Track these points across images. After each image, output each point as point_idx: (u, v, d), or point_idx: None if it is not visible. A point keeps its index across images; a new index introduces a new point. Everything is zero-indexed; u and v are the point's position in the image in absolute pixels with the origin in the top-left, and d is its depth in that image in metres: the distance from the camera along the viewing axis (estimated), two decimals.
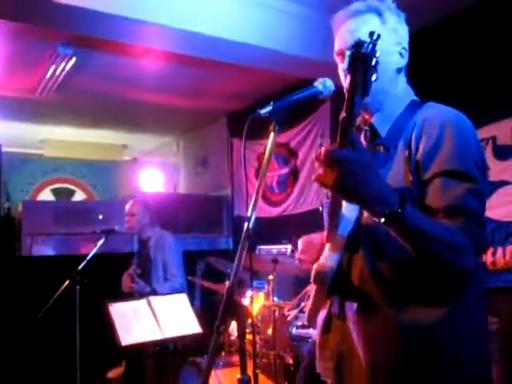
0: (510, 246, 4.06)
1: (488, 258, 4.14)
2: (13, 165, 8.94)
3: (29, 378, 5.55)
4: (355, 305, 1.53)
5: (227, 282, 1.45)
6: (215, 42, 4.47)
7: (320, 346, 1.70)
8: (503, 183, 4.15)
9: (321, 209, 1.68)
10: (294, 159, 6.49)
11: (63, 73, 5.66)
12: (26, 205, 7.07)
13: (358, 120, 1.58)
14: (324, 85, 1.59)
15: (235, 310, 1.45)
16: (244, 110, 7.05)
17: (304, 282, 4.04)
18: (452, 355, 1.45)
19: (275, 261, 4.10)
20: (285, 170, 6.65)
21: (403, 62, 1.65)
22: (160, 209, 5.67)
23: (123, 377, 4.62)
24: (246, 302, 3.84)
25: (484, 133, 4.22)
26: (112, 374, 4.85)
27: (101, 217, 6.79)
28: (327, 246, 1.56)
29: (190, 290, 4.90)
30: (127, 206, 4.84)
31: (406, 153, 1.51)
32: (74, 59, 5.34)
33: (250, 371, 1.51)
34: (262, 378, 3.76)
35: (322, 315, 1.68)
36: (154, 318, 3.77)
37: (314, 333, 3.70)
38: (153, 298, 3.93)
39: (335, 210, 1.51)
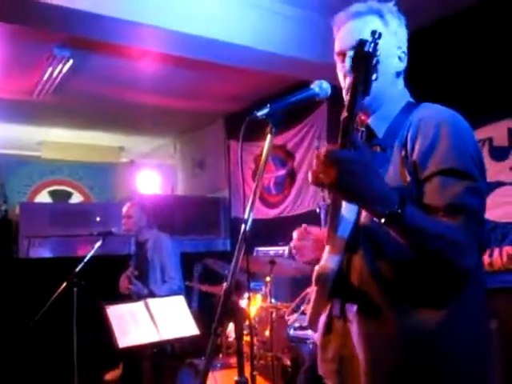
0: (506, 247, 4.07)
1: (485, 259, 4.15)
2: (10, 167, 8.95)
3: (26, 380, 5.54)
4: (355, 306, 1.54)
5: (224, 284, 1.46)
6: (211, 43, 4.47)
7: (321, 348, 1.70)
8: (499, 184, 4.16)
9: (318, 210, 1.68)
10: (291, 161, 6.49)
11: (60, 75, 5.65)
12: (23, 207, 7.07)
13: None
14: (320, 87, 1.60)
15: (232, 312, 1.45)
16: (241, 111, 7.05)
17: (301, 283, 4.05)
18: (452, 356, 1.45)
19: (272, 262, 4.10)
20: (282, 172, 6.66)
21: (402, 65, 1.67)
22: (157, 211, 5.66)
23: (121, 379, 4.61)
24: (243, 303, 3.84)
25: (480, 134, 4.23)
26: (109, 376, 4.84)
27: (98, 219, 6.80)
28: (327, 247, 1.56)
29: (187, 291, 4.90)
30: (124, 209, 4.84)
31: (403, 153, 1.51)
32: (70, 61, 5.34)
33: (247, 373, 1.51)
34: (259, 379, 3.75)
35: (322, 317, 1.68)
36: (151, 320, 3.77)
37: (312, 334, 3.71)
38: (150, 300, 3.93)
39: (335, 211, 1.52)
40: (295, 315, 3.99)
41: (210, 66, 5.21)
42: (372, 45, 1.35)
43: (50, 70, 5.53)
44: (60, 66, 5.44)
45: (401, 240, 1.39)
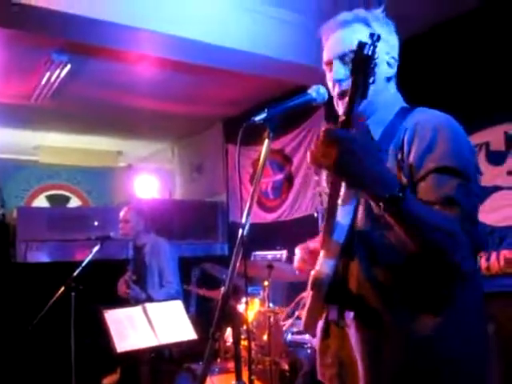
0: (503, 251, 4.08)
1: (482, 262, 4.16)
2: (7, 171, 8.93)
3: None
4: (352, 312, 1.54)
5: (222, 289, 1.46)
6: (209, 48, 4.49)
7: (320, 353, 1.70)
8: (496, 188, 4.17)
9: (316, 215, 1.68)
10: (288, 165, 6.50)
11: (58, 79, 5.66)
12: (20, 211, 7.05)
13: None
14: (318, 92, 1.61)
15: (230, 317, 1.46)
16: (239, 116, 7.06)
17: (299, 287, 4.04)
18: (451, 357, 1.45)
19: (270, 267, 4.10)
20: (279, 176, 6.66)
21: (392, 71, 1.67)
22: (155, 215, 5.66)
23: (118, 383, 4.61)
24: (241, 308, 3.84)
25: (477, 138, 4.24)
26: (107, 380, 4.82)
27: (96, 223, 6.79)
28: (322, 252, 1.57)
29: (185, 296, 4.90)
30: (121, 213, 4.84)
31: (399, 156, 1.52)
32: (68, 66, 5.34)
33: (245, 377, 1.52)
34: None
35: (320, 322, 1.68)
36: (149, 324, 3.76)
37: (309, 339, 3.71)
38: (148, 305, 3.92)
39: (330, 215, 1.53)
40: (290, 320, 3.99)
41: (208, 70, 5.22)
42: (371, 47, 1.37)
43: (48, 74, 5.54)
44: (58, 71, 5.45)
45: (398, 228, 1.38)
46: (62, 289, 4.38)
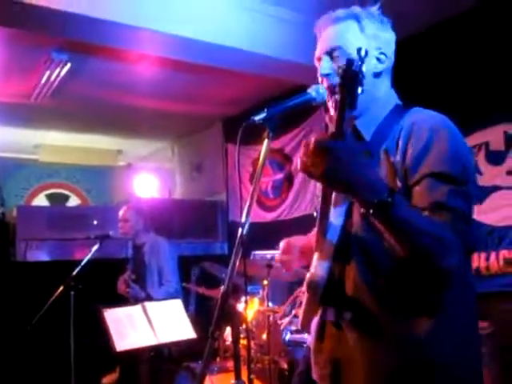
0: (503, 251, 4.08)
1: (482, 262, 4.16)
2: (7, 170, 8.94)
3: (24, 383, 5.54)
4: (349, 314, 1.54)
5: (222, 288, 1.46)
6: (209, 47, 4.49)
7: (315, 351, 1.70)
8: (496, 188, 4.17)
9: (315, 214, 1.68)
10: (288, 165, 6.50)
11: (58, 78, 5.66)
12: (20, 210, 7.06)
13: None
14: (317, 91, 1.61)
15: (230, 316, 1.46)
16: (239, 115, 7.06)
17: (298, 286, 4.05)
18: (443, 362, 1.45)
19: (270, 266, 4.10)
20: (279, 176, 6.67)
21: (381, 66, 1.65)
22: (155, 214, 5.67)
23: (118, 382, 4.61)
24: (240, 307, 3.84)
25: (477, 138, 4.25)
26: (106, 379, 4.83)
27: (95, 222, 6.79)
28: (316, 253, 1.57)
29: (184, 295, 4.90)
30: (120, 212, 4.84)
31: (392, 158, 1.52)
32: (68, 65, 5.35)
33: (244, 376, 1.52)
34: (256, 383, 3.75)
35: (315, 321, 1.68)
36: (148, 323, 3.77)
37: (308, 338, 3.71)
38: (147, 304, 3.93)
39: (323, 216, 1.54)
40: (287, 319, 3.99)
41: (208, 69, 5.22)
42: (359, 63, 1.40)
43: (48, 73, 5.54)
44: (58, 70, 5.45)
45: (388, 234, 1.38)
46: (62, 288, 4.38)
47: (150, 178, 9.72)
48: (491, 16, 4.23)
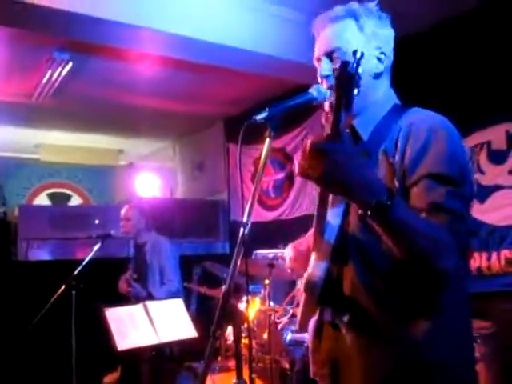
0: (504, 251, 4.08)
1: (483, 262, 4.16)
2: (9, 169, 8.95)
3: (25, 383, 5.53)
4: (347, 315, 1.54)
5: (223, 287, 1.46)
6: (210, 46, 4.49)
7: (313, 351, 1.70)
8: (498, 187, 4.17)
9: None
10: (289, 164, 6.50)
11: (59, 78, 5.66)
12: (22, 209, 7.07)
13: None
14: (318, 91, 1.60)
15: (231, 315, 1.45)
16: (240, 114, 7.06)
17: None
18: (441, 364, 1.45)
19: (271, 265, 4.10)
20: (281, 175, 6.67)
21: (382, 67, 1.64)
22: (156, 213, 5.66)
23: (119, 382, 4.61)
24: (241, 306, 3.83)
25: (479, 137, 4.24)
26: (108, 379, 4.83)
27: (97, 221, 6.79)
28: (314, 254, 1.57)
29: (186, 294, 4.90)
30: (122, 211, 4.84)
31: (391, 159, 1.51)
32: (70, 64, 5.35)
33: (246, 376, 1.52)
34: (258, 382, 3.76)
35: (313, 321, 1.68)
36: (150, 322, 3.77)
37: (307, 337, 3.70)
38: (149, 303, 3.93)
39: (320, 217, 1.54)
40: (285, 318, 3.98)
41: (210, 69, 5.22)
42: (354, 65, 1.38)
43: (50, 72, 5.54)
44: (59, 69, 5.46)
45: (385, 236, 1.38)
46: (63, 287, 4.38)
47: (151, 178, 9.72)
48: (494, 16, 4.23)
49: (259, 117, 1.52)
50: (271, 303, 4.16)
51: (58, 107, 6.77)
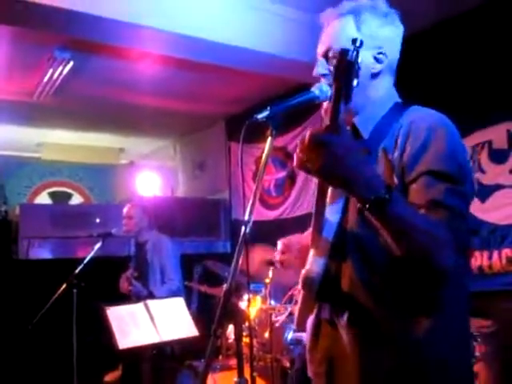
0: (505, 249, 4.08)
1: (484, 261, 4.16)
2: (10, 168, 8.95)
3: (26, 382, 5.54)
4: (346, 312, 1.53)
5: (224, 286, 1.46)
6: (212, 45, 4.49)
7: (310, 350, 1.69)
8: (499, 187, 4.17)
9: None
10: (291, 163, 6.49)
11: (60, 77, 5.66)
12: (23, 208, 7.08)
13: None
14: (320, 90, 1.60)
15: (232, 314, 1.45)
16: (242, 113, 7.06)
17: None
18: (440, 362, 1.45)
19: (272, 264, 4.10)
20: (282, 174, 6.67)
21: (379, 67, 1.62)
22: (157, 212, 5.66)
23: (120, 380, 4.62)
24: (243, 305, 3.84)
25: (480, 137, 4.24)
26: (109, 377, 4.84)
27: (98, 220, 6.80)
28: (312, 250, 1.57)
29: (187, 293, 4.90)
30: (125, 209, 4.84)
31: (390, 156, 1.51)
32: (71, 63, 5.35)
33: (247, 374, 1.52)
34: (259, 381, 3.76)
35: (310, 318, 1.68)
36: (151, 321, 3.77)
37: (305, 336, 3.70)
38: (150, 302, 3.94)
39: (318, 213, 1.54)
40: (283, 316, 3.98)
41: (211, 68, 5.22)
42: (354, 53, 1.36)
43: (51, 71, 5.54)
44: (60, 68, 5.46)
45: (384, 231, 1.37)
46: (64, 286, 4.39)
47: (152, 177, 9.70)
48: (495, 14, 4.22)
49: (260, 116, 1.51)
50: (272, 302, 4.16)
51: (59, 106, 6.77)
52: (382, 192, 1.29)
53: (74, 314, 4.38)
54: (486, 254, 4.16)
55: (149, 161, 10.24)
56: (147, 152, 9.95)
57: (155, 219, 5.09)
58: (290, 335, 3.98)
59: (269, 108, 1.52)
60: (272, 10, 4.63)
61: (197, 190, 8.55)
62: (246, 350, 2.15)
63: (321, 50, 1.66)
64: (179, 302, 4.00)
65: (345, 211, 1.55)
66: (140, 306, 3.88)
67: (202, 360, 1.55)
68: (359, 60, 1.37)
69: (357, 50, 1.36)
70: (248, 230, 1.47)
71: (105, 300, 3.91)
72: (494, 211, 4.16)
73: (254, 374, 1.84)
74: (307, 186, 6.12)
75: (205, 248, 7.46)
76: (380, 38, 1.61)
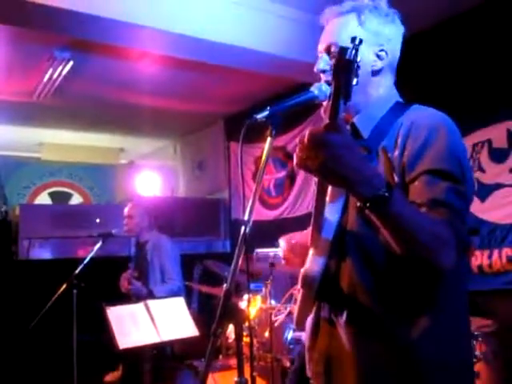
0: (506, 249, 4.08)
1: (484, 260, 4.16)
2: (10, 168, 8.96)
3: (26, 382, 5.54)
4: (345, 312, 1.53)
5: (224, 286, 1.46)
6: (211, 45, 4.48)
7: (309, 349, 1.69)
8: (499, 186, 4.17)
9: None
10: (290, 163, 6.49)
11: (60, 77, 5.67)
12: (23, 208, 7.08)
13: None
14: (320, 89, 1.59)
15: (232, 313, 1.45)
16: (241, 113, 7.06)
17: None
18: (440, 364, 1.45)
19: (272, 264, 4.11)
20: (282, 174, 6.67)
21: (380, 64, 1.63)
22: (157, 212, 5.66)
23: (120, 380, 4.62)
24: (243, 305, 3.84)
25: (480, 136, 4.24)
26: (109, 377, 4.84)
27: (98, 220, 6.80)
28: (311, 249, 1.56)
29: (187, 293, 4.90)
30: (126, 209, 4.84)
31: (390, 155, 1.51)
32: (71, 63, 5.35)
33: (247, 374, 1.51)
34: (259, 380, 3.76)
35: (309, 318, 1.68)
36: (151, 321, 3.77)
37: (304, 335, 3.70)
38: (150, 302, 3.93)
39: (318, 212, 1.53)
40: (282, 315, 3.99)
41: (211, 67, 5.22)
42: (353, 52, 1.35)
43: (51, 71, 5.54)
44: (60, 68, 5.46)
45: (385, 230, 1.37)
46: (64, 286, 4.39)
47: (152, 176, 9.70)
48: (496, 14, 4.22)
49: (260, 115, 1.51)
50: (272, 301, 4.16)
51: (59, 106, 6.78)
52: (382, 190, 1.29)
53: (74, 314, 4.39)
54: (486, 253, 4.17)
55: (149, 161, 10.24)
56: (147, 152, 9.96)
57: (155, 219, 5.09)
58: (289, 335, 3.98)
59: (268, 108, 1.52)
60: (272, 10, 4.62)
61: (196, 190, 8.55)
62: (246, 350, 2.15)
63: (323, 45, 1.65)
64: (179, 302, 4.00)
65: (344, 211, 1.55)
66: (140, 306, 3.87)
67: (203, 360, 1.55)
68: (358, 59, 1.36)
69: (356, 48, 1.35)
70: (248, 229, 1.47)
71: (105, 300, 3.91)
72: (493, 210, 4.16)
73: (254, 373, 1.83)
74: (307, 186, 6.12)
75: (204, 248, 7.47)
76: (382, 35, 1.62)
